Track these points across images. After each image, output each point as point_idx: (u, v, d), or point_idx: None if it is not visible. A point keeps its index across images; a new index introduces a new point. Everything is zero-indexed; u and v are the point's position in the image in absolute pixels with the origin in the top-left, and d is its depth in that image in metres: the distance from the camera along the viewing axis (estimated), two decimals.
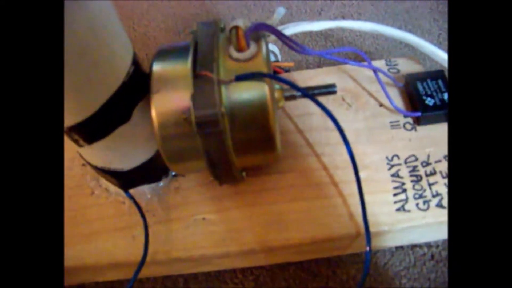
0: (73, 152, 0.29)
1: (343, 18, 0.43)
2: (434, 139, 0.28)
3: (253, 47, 0.22)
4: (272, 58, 0.33)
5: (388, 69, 0.32)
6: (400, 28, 0.40)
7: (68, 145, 0.24)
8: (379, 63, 0.32)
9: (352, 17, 0.43)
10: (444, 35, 0.40)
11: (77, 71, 0.19)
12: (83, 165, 0.29)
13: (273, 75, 0.22)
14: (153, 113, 0.22)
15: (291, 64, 0.32)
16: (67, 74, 0.19)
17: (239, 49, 0.22)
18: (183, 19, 0.46)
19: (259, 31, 0.23)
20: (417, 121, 0.29)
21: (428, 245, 0.28)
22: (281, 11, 0.28)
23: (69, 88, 0.20)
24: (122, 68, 0.22)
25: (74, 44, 0.18)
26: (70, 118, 0.21)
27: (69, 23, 0.18)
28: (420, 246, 0.28)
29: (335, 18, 0.43)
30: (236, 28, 0.22)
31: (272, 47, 0.33)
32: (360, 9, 0.43)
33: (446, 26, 0.41)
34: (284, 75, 0.32)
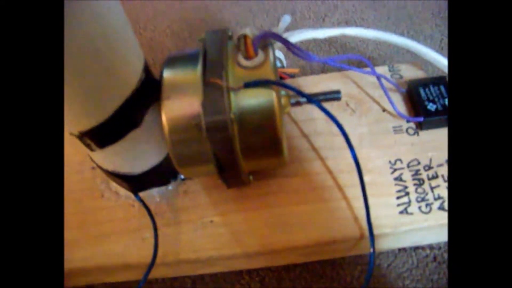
0: (83, 155, 0.30)
1: (347, 24, 0.44)
2: (436, 143, 0.28)
3: (260, 55, 0.23)
4: (278, 64, 0.33)
5: (391, 75, 0.32)
6: (402, 33, 0.41)
7: (79, 148, 0.24)
8: (382, 69, 0.33)
9: (355, 23, 0.44)
10: (446, 40, 0.40)
11: (91, 77, 0.20)
12: (93, 168, 0.30)
13: (281, 82, 0.23)
14: (164, 119, 0.22)
15: (296, 70, 0.33)
16: (82, 80, 0.20)
17: (248, 57, 0.23)
18: (189, 24, 0.46)
19: (266, 39, 0.24)
20: (420, 126, 0.29)
21: (431, 247, 0.28)
22: (286, 19, 0.29)
23: (83, 94, 0.20)
24: (134, 75, 0.22)
25: (86, 47, 0.19)
26: (84, 123, 0.22)
27: (80, 25, 0.18)
28: (422, 248, 0.28)
29: (339, 24, 0.44)
30: (245, 36, 0.23)
31: (278, 53, 0.33)
32: (363, 15, 0.44)
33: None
34: (289, 81, 0.33)
